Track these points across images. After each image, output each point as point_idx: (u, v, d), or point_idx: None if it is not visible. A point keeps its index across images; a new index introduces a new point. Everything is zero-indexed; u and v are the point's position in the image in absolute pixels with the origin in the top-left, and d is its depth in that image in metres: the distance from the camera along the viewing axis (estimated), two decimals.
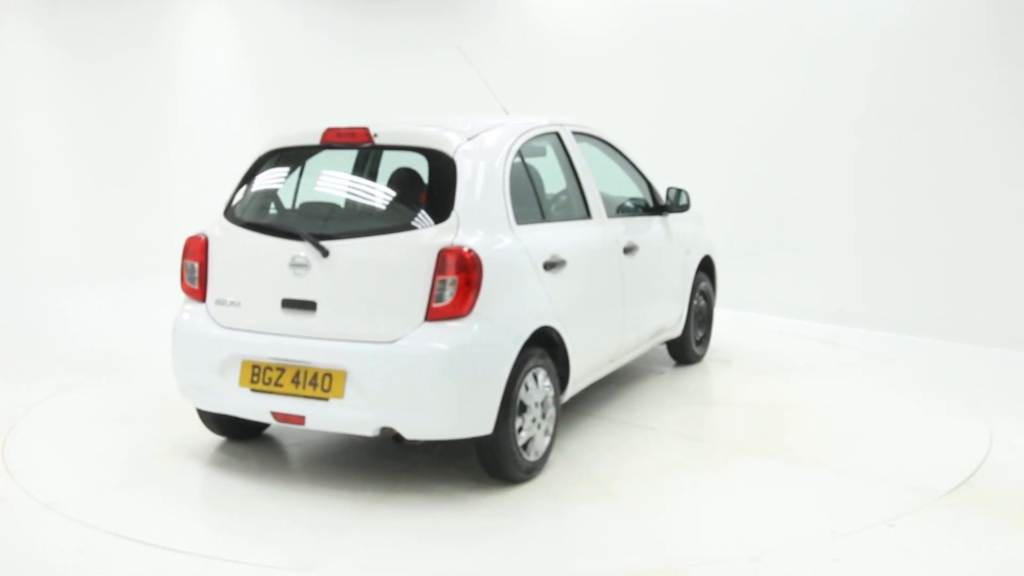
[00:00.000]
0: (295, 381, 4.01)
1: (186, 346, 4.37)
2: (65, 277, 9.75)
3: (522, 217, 4.29)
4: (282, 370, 4.04)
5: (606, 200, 5.41)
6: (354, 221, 4.31)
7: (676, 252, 5.82)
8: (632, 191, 5.64)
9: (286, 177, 4.50)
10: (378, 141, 4.22)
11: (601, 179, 5.49)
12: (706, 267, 6.35)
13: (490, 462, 4.11)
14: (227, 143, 10.59)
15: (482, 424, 3.93)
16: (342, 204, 4.45)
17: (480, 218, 4.02)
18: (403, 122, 4.42)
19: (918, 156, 7.31)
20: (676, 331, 5.96)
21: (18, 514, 3.95)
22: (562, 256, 4.41)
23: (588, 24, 9.67)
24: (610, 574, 3.42)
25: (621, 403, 5.42)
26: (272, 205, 4.48)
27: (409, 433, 3.95)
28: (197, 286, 4.38)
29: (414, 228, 3.98)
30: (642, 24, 9.18)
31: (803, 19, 7.97)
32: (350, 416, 3.94)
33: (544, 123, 4.85)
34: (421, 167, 4.30)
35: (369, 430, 3.94)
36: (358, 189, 4.55)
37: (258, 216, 4.40)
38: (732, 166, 8.50)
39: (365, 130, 4.22)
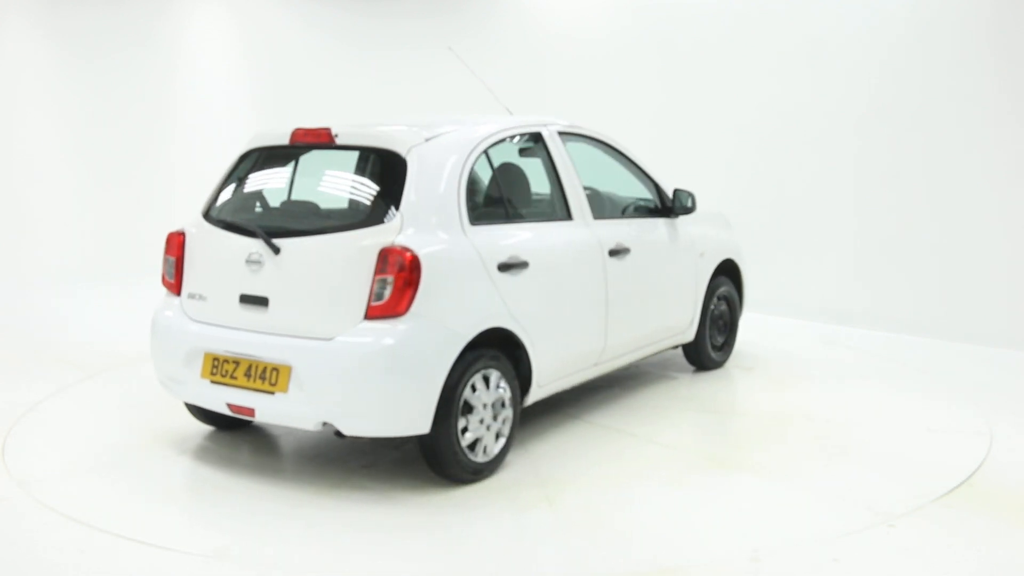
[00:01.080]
0: (247, 374, 4.14)
1: (160, 338, 4.56)
2: (65, 277, 9.74)
3: (480, 218, 4.35)
4: (237, 363, 4.18)
5: (609, 201, 5.41)
6: (307, 220, 4.37)
7: (685, 255, 5.69)
8: (636, 192, 5.59)
9: (258, 176, 4.63)
10: (339, 141, 4.32)
11: (600, 180, 5.49)
12: (729, 271, 6.20)
13: (433, 461, 4.15)
14: (227, 143, 10.51)
15: (418, 423, 3.97)
16: (300, 203, 4.52)
17: (425, 218, 4.07)
18: (366, 123, 4.48)
19: (918, 156, 7.31)
20: (687, 336, 5.84)
21: (18, 514, 3.96)
22: (524, 257, 4.40)
23: (588, 24, 9.67)
24: None
25: (613, 408, 5.36)
26: (241, 203, 4.59)
27: (347, 430, 4.01)
28: (173, 280, 4.57)
29: (359, 227, 4.06)
30: (643, 24, 9.18)
31: (803, 20, 7.97)
32: (293, 410, 4.04)
33: (523, 124, 4.87)
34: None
35: (311, 425, 4.04)
36: (317, 188, 4.62)
37: (227, 214, 4.52)
38: (732, 166, 8.50)
39: (327, 131, 4.33)
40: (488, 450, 4.26)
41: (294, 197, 4.54)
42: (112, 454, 4.70)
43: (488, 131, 4.56)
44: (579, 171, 5.08)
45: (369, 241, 3.97)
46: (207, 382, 4.28)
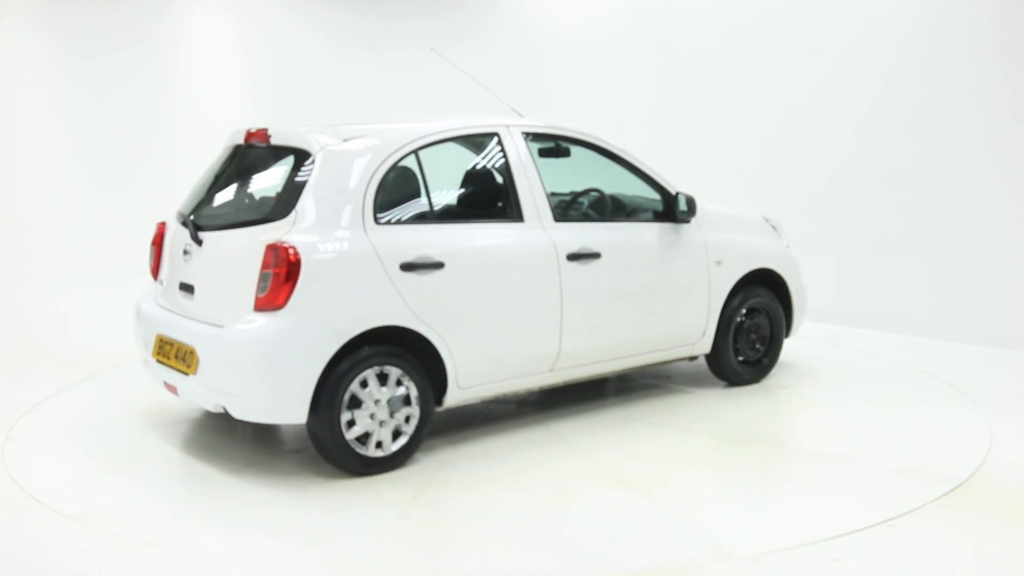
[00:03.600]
0: (176, 356, 4.48)
1: (135, 321, 5.01)
2: (65, 277, 9.75)
3: (391, 218, 4.41)
4: (172, 344, 4.53)
5: (609, 204, 5.34)
6: (229, 215, 4.61)
7: (690, 262, 5.41)
8: (648, 196, 5.45)
9: (215, 173, 4.90)
10: (272, 141, 4.59)
11: (609, 183, 5.44)
12: (769, 281, 5.84)
13: (320, 451, 4.31)
14: (232, 144, 10.57)
15: (293, 413, 4.14)
16: (232, 199, 4.74)
17: (320, 216, 4.20)
18: (296, 124, 4.66)
19: (918, 157, 7.32)
20: (701, 348, 5.57)
21: (19, 514, 3.96)
22: (437, 258, 4.41)
23: (588, 25, 9.68)
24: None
25: (579, 419, 5.18)
26: (193, 198, 4.87)
27: (235, 414, 4.22)
28: (152, 267, 5.05)
29: (263, 223, 4.27)
30: (644, 25, 9.19)
31: (804, 21, 7.98)
32: (199, 392, 4.33)
33: (477, 124, 4.89)
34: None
35: (211, 406, 4.31)
36: (250, 185, 4.74)
37: (184, 207, 4.85)
38: (733, 167, 8.51)
39: (265, 131, 4.62)
40: (385, 446, 4.34)
41: (231, 193, 4.77)
42: (112, 454, 4.71)
43: (419, 132, 4.59)
44: (592, 173, 5.08)
45: (264, 237, 4.18)
46: (154, 361, 4.67)
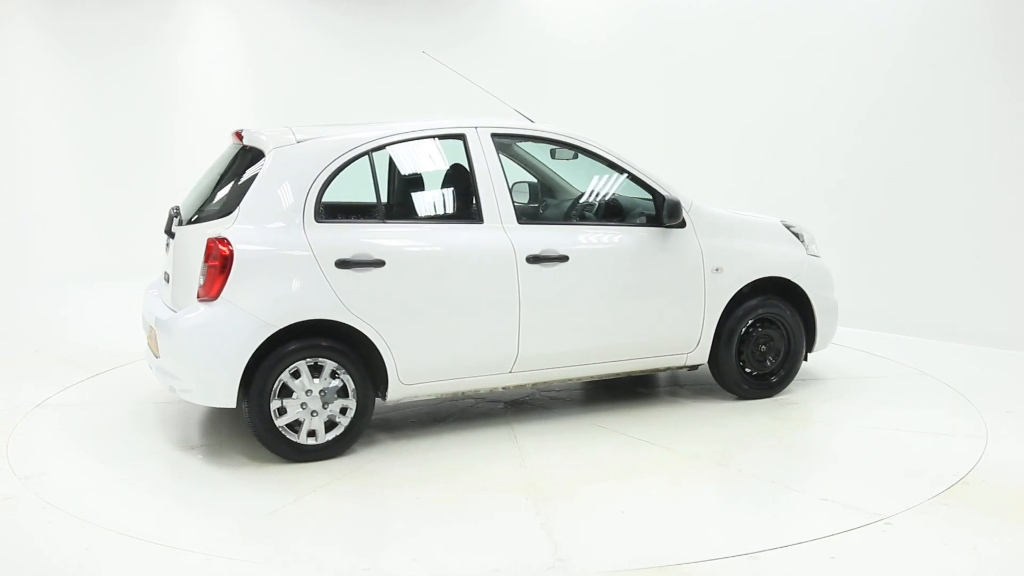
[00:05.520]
0: (152, 340, 4.77)
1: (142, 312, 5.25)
2: (66, 277, 9.77)
3: (333, 217, 4.63)
4: (151, 330, 4.80)
5: (614, 205, 5.28)
6: (200, 210, 4.80)
7: (680, 268, 5.19)
8: (635, 198, 5.35)
9: (208, 170, 5.14)
10: (244, 142, 4.87)
11: (589, 184, 5.42)
12: (789, 292, 5.54)
13: (256, 437, 4.51)
14: (228, 144, 10.59)
15: (222, 398, 4.38)
16: (208, 196, 4.89)
17: (260, 213, 4.44)
18: (269, 125, 4.89)
19: (918, 158, 7.33)
20: (695, 357, 5.33)
21: (23, 513, 3.99)
22: (377, 256, 4.53)
23: (589, 26, 9.69)
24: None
25: (539, 421, 5.17)
26: (188, 194, 5.11)
27: (180, 396, 4.56)
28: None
29: (216, 218, 4.54)
30: (644, 27, 9.20)
31: (804, 21, 8.00)
32: (161, 374, 4.68)
33: (441, 126, 4.95)
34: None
35: (168, 388, 4.67)
36: (224, 183, 4.83)
37: (180, 202, 5.09)
38: (734, 168, 8.52)
39: (240, 132, 4.93)
40: (318, 435, 4.52)
41: (210, 190, 4.92)
42: (115, 453, 4.74)
43: (373, 135, 4.72)
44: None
45: (210, 232, 4.44)
46: (147, 346, 4.97)
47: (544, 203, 5.53)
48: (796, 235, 5.70)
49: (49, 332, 7.72)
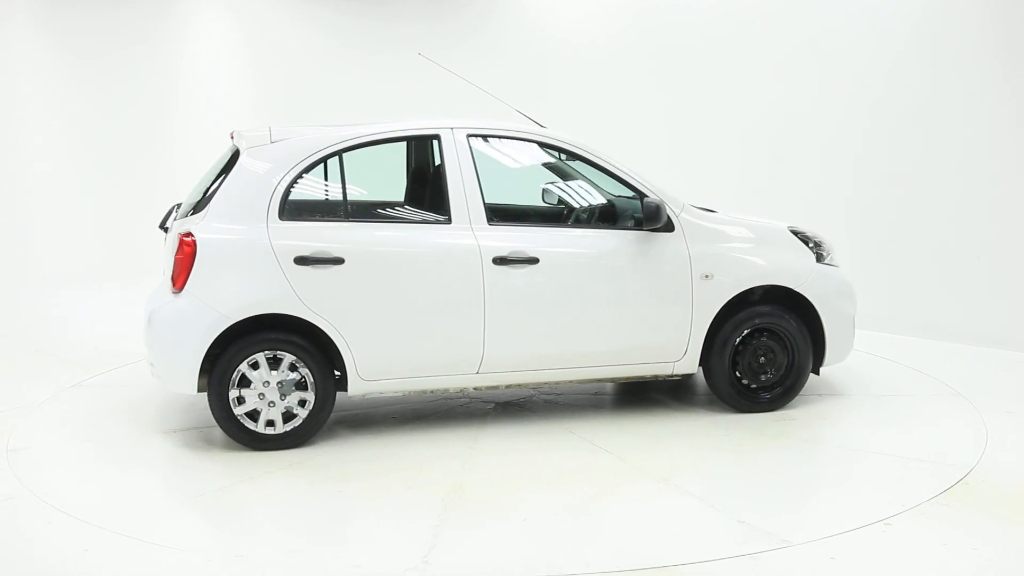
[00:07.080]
0: None
1: None
2: (66, 277, 9.78)
3: (298, 215, 4.70)
4: None
5: (607, 210, 5.21)
6: (190, 207, 4.95)
7: (664, 273, 5.02)
8: (628, 201, 5.18)
9: (211, 169, 5.21)
10: (233, 142, 4.99)
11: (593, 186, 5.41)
12: (795, 303, 5.28)
13: (218, 424, 4.70)
14: (229, 144, 10.59)
15: (183, 385, 4.61)
16: (200, 193, 5.01)
17: (225, 210, 4.64)
18: (262, 126, 4.97)
19: (918, 158, 7.33)
20: (683, 366, 5.13)
21: (23, 513, 3.99)
22: (336, 254, 4.63)
23: (589, 26, 9.69)
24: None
25: (510, 424, 5.15)
26: (190, 194, 5.17)
27: (155, 381, 4.83)
28: None
29: (194, 215, 4.74)
30: (644, 27, 9.20)
31: (804, 21, 8.00)
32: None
33: (414, 127, 5.01)
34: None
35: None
36: (215, 182, 4.89)
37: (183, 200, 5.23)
38: (734, 168, 8.52)
39: (232, 133, 5.06)
40: (276, 425, 4.68)
41: (202, 189, 5.02)
42: (115, 453, 4.74)
43: (343, 136, 4.83)
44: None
45: (183, 228, 4.67)
46: None
47: (568, 207, 5.45)
48: (806, 242, 5.43)
49: (49, 332, 7.72)
